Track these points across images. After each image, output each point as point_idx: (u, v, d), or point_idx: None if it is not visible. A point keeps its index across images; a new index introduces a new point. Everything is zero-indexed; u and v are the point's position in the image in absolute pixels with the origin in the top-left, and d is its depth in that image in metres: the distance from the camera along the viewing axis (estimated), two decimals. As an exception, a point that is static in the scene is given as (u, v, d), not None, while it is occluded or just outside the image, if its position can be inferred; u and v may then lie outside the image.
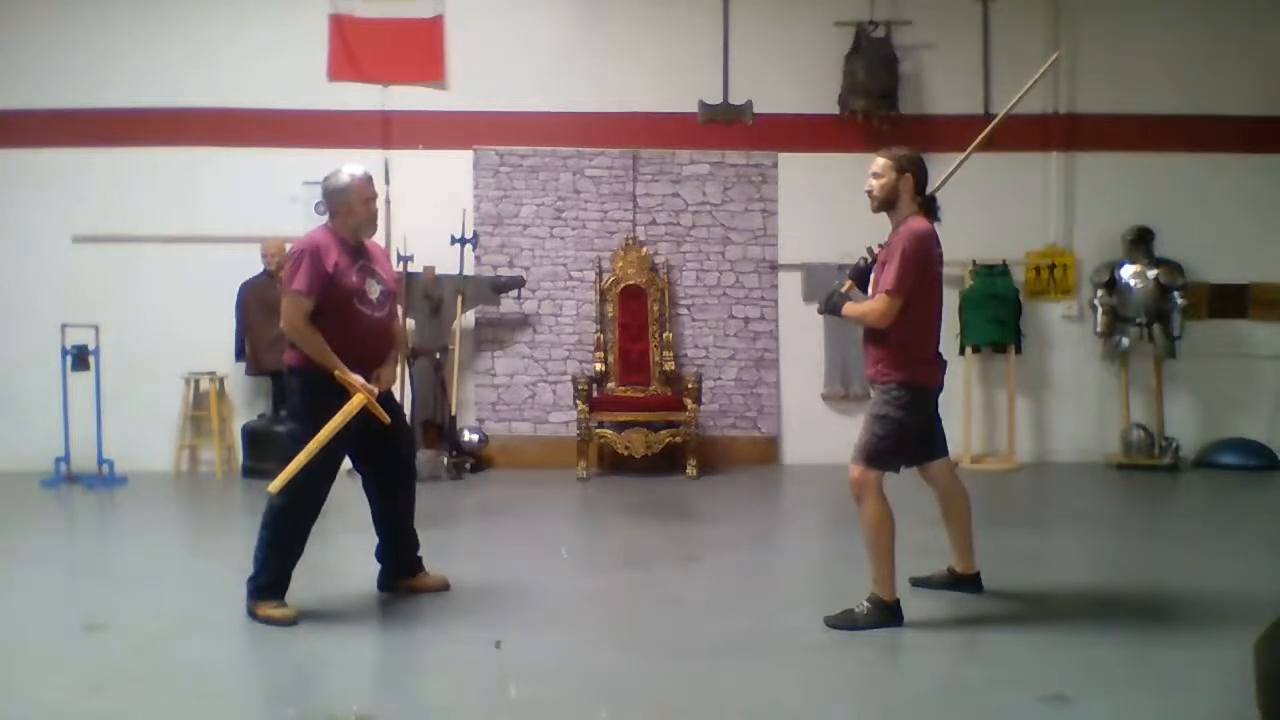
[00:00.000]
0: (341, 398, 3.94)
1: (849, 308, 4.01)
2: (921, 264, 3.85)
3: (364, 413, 3.97)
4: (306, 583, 4.13)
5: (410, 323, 7.38)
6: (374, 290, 4.05)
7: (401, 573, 4.31)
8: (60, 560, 5.22)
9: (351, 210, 4.01)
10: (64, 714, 3.16)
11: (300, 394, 4.05)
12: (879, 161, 3.99)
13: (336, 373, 3.92)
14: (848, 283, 4.16)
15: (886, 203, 3.97)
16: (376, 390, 4.04)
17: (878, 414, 3.91)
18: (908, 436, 3.93)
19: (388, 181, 7.39)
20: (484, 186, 7.76)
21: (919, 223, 3.91)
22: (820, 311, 4.27)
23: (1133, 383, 7.69)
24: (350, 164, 4.12)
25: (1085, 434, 7.81)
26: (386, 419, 4.04)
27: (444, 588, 4.32)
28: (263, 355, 7.25)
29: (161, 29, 7.55)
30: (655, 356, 7.58)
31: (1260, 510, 6.33)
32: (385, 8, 7.65)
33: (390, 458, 4.24)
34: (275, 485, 3.88)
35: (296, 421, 4.05)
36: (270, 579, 3.96)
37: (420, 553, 4.36)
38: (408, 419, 5.52)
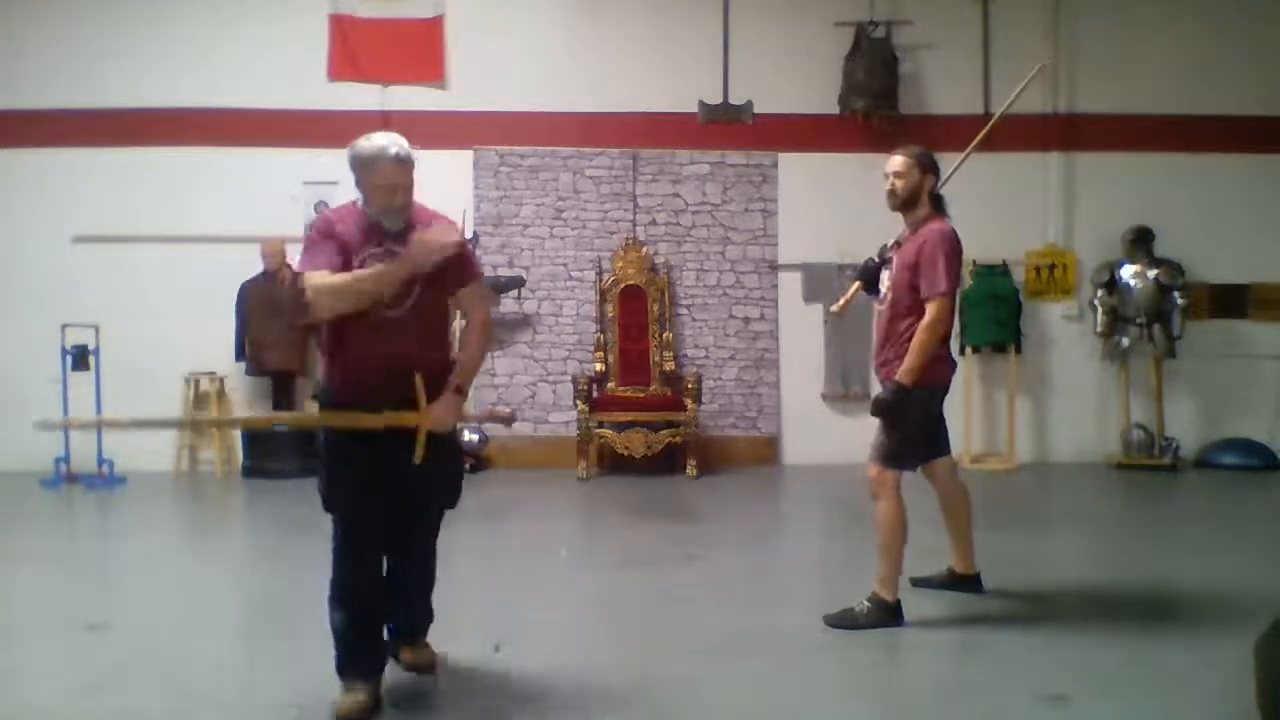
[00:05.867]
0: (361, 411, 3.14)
1: (905, 369, 3.79)
2: (960, 263, 3.88)
3: (397, 440, 3.12)
4: (308, 580, 4.13)
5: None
6: None
7: (395, 635, 3.45)
8: (60, 560, 5.21)
9: (367, 190, 3.18)
10: (64, 714, 3.16)
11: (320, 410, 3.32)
12: (900, 160, 3.95)
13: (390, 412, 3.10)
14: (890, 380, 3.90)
15: (908, 202, 3.96)
16: (421, 423, 3.12)
17: None
18: (923, 434, 3.96)
19: (388, 181, 7.38)
20: (484, 186, 7.76)
21: (945, 223, 3.93)
22: (877, 412, 3.88)
23: (1133, 383, 7.69)
24: (383, 135, 3.20)
25: (1085, 434, 7.81)
26: (418, 457, 3.12)
27: (430, 668, 3.45)
28: (263, 355, 7.26)
29: (161, 29, 7.54)
30: (655, 356, 7.58)
31: (1260, 510, 6.33)
32: (385, 8, 7.64)
33: (407, 505, 3.28)
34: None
35: (325, 451, 3.26)
36: (340, 653, 3.22)
37: (424, 625, 3.50)
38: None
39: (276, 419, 3.45)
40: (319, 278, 3.07)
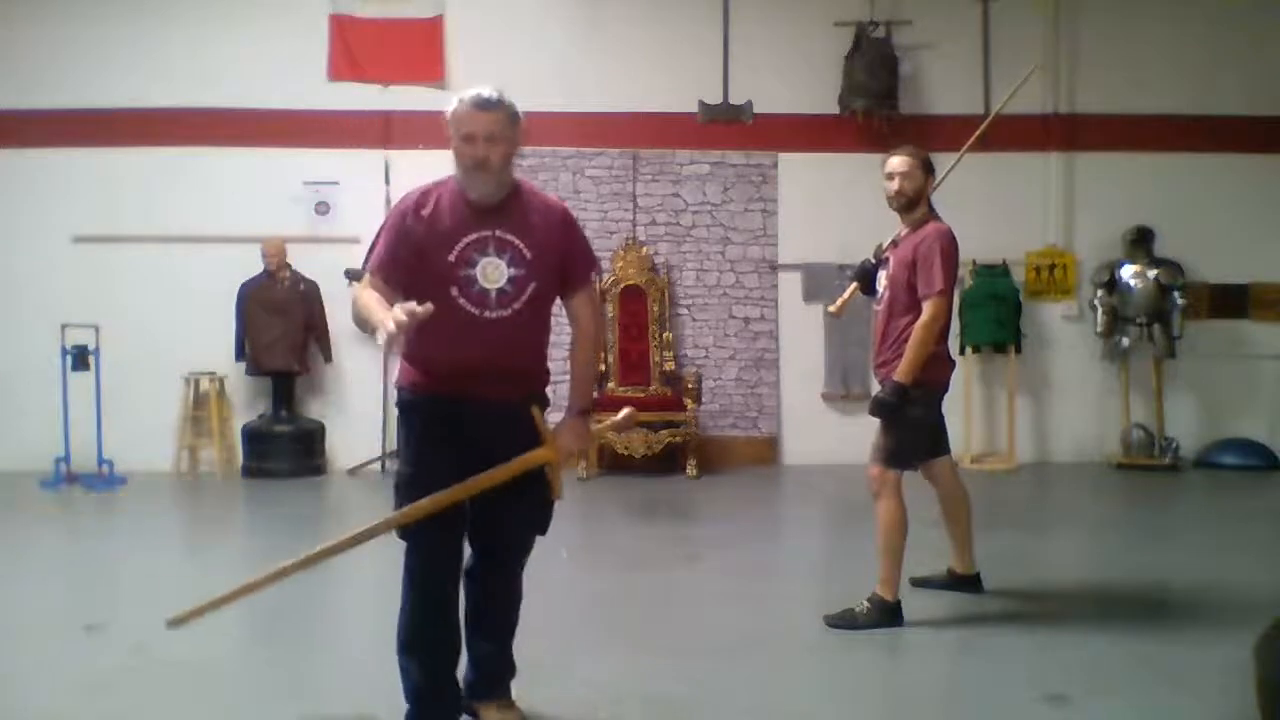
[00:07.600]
0: (446, 428, 2.76)
1: (903, 368, 3.80)
2: (957, 262, 3.88)
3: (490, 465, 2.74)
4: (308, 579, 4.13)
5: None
6: (492, 276, 2.68)
7: (473, 690, 3.01)
8: (60, 560, 5.21)
9: (453, 151, 2.70)
10: (64, 714, 3.16)
11: (399, 424, 2.95)
12: (905, 160, 3.94)
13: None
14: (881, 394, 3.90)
15: (913, 202, 3.97)
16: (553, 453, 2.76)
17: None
18: (923, 434, 3.96)
19: (388, 182, 7.38)
20: (484, 186, 7.75)
21: (943, 224, 3.95)
22: (876, 412, 3.90)
23: (1133, 383, 7.69)
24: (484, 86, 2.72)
25: (1085, 434, 7.81)
26: (558, 494, 2.86)
27: None
28: (263, 355, 7.26)
29: (161, 29, 7.54)
30: (655, 356, 7.58)
31: (1260, 511, 6.32)
32: (385, 8, 7.64)
33: (496, 540, 2.96)
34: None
35: (399, 459, 3.01)
36: (412, 710, 2.86)
37: (507, 679, 3.06)
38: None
39: (389, 524, 2.75)
40: (359, 288, 2.72)
